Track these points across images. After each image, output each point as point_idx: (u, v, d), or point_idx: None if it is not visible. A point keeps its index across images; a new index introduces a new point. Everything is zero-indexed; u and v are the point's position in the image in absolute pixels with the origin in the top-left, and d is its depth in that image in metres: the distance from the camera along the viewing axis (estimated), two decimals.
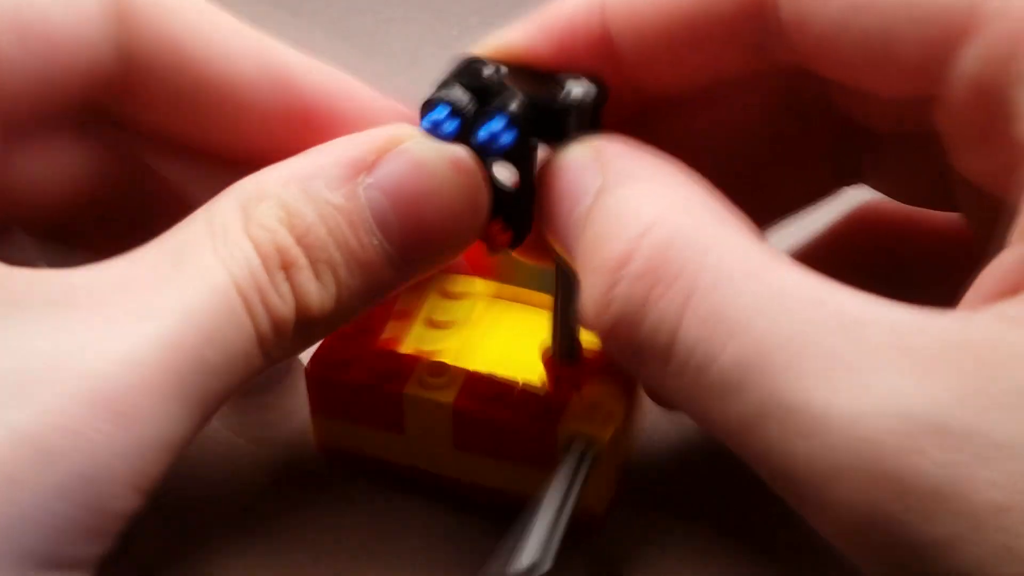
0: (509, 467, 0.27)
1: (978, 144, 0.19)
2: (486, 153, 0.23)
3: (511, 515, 0.25)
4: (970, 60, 0.17)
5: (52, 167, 0.24)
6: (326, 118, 0.24)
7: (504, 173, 0.23)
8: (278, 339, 0.21)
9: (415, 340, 0.29)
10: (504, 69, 0.23)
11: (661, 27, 0.21)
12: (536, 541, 0.24)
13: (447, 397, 0.27)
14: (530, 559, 0.23)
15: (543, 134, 0.23)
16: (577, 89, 0.22)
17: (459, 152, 0.22)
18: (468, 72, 0.23)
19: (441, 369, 0.27)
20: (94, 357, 0.18)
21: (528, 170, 0.23)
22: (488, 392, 0.27)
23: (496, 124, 0.22)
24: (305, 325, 0.21)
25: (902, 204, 0.26)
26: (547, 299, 0.29)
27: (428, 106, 0.23)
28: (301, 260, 0.20)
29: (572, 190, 0.21)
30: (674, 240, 0.18)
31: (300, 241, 0.21)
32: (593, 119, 0.23)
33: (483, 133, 0.22)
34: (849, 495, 0.16)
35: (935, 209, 0.26)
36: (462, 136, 0.23)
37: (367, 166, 0.21)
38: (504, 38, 0.23)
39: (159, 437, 0.19)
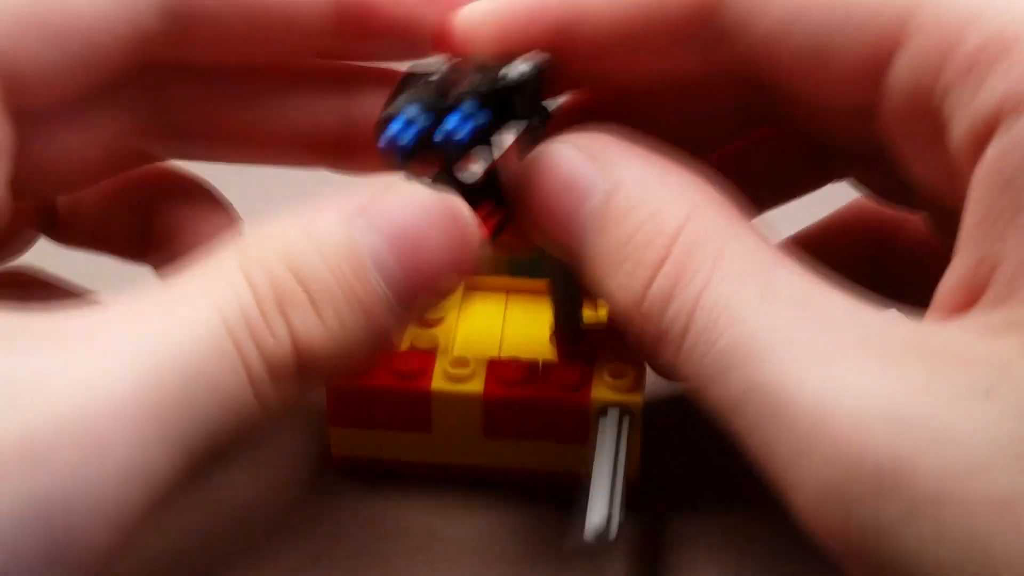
0: (541, 447, 0.28)
1: (920, 154, 0.21)
2: (450, 150, 0.23)
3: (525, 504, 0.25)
4: (903, 70, 0.18)
5: (87, 141, 0.25)
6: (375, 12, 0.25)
7: (468, 169, 0.24)
8: (274, 382, 0.20)
9: (411, 341, 0.29)
10: (443, 70, 0.24)
11: (614, 21, 0.22)
12: (599, 510, 0.24)
13: (475, 387, 0.27)
14: (597, 528, 0.24)
15: (497, 119, 0.23)
16: (520, 67, 0.23)
17: (449, 194, 0.22)
18: (410, 84, 0.24)
19: (463, 361, 0.27)
20: (65, 384, 0.18)
21: (492, 159, 0.24)
22: (515, 375, 0.27)
23: (454, 120, 0.23)
24: (306, 367, 0.21)
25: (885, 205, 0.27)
26: (516, 283, 0.31)
27: (382, 124, 0.23)
28: (301, 298, 0.20)
29: (571, 188, 0.22)
30: (698, 242, 0.20)
31: (300, 280, 0.20)
32: (536, 95, 0.24)
33: (445, 130, 0.23)
34: (809, 475, 0.18)
35: (914, 210, 0.27)
36: (423, 143, 0.23)
37: (362, 210, 0.21)
38: (468, 15, 0.24)
39: (133, 472, 0.18)
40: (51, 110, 0.24)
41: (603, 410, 0.27)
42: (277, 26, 0.24)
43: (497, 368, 0.27)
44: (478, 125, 0.23)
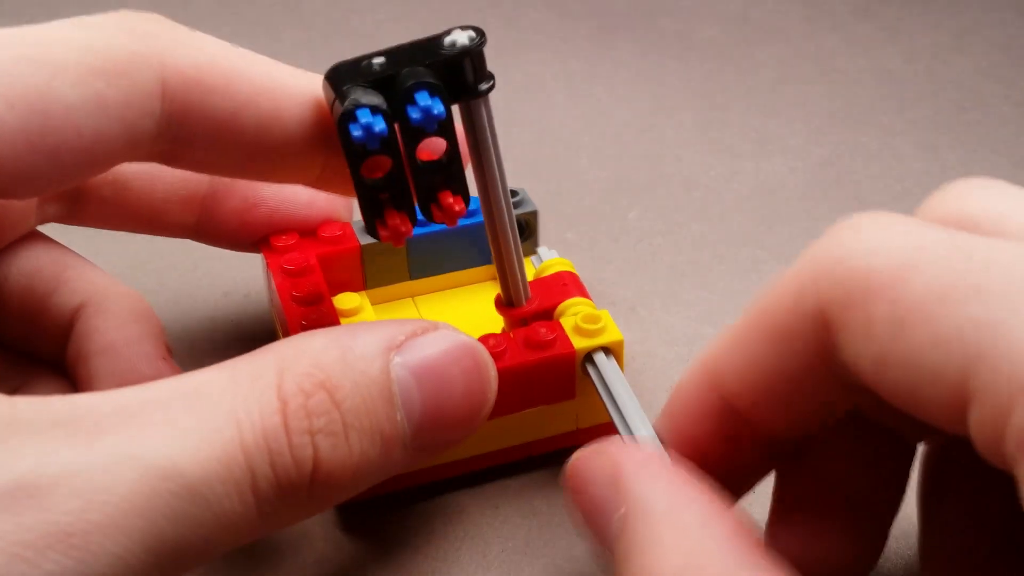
0: (532, 416, 0.28)
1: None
2: (419, 133, 0.23)
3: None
4: (974, 427, 0.18)
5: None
6: None
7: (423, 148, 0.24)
8: (281, 502, 0.20)
9: None
10: (380, 58, 0.24)
11: (766, 386, 0.22)
12: (644, 429, 0.25)
13: None
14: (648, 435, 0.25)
15: (451, 93, 0.24)
16: (461, 37, 0.24)
17: (479, 345, 0.24)
18: (354, 75, 0.23)
19: None
20: (65, 490, 0.18)
21: (453, 134, 0.24)
22: (496, 346, 0.27)
23: (422, 101, 0.23)
24: (319, 489, 0.21)
25: None
26: (418, 285, 0.33)
27: (347, 118, 0.23)
28: (334, 420, 0.21)
29: (599, 508, 0.22)
30: None
31: (335, 403, 0.21)
32: (483, 59, 0.24)
33: (419, 114, 0.23)
34: None
35: None
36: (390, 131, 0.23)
37: (398, 345, 0.22)
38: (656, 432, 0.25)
39: (114, 572, 0.18)
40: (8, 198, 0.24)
41: (588, 357, 0.27)
42: (267, 154, 0.25)
43: None
44: (445, 98, 0.23)
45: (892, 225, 0.20)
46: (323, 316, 0.28)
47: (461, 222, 0.29)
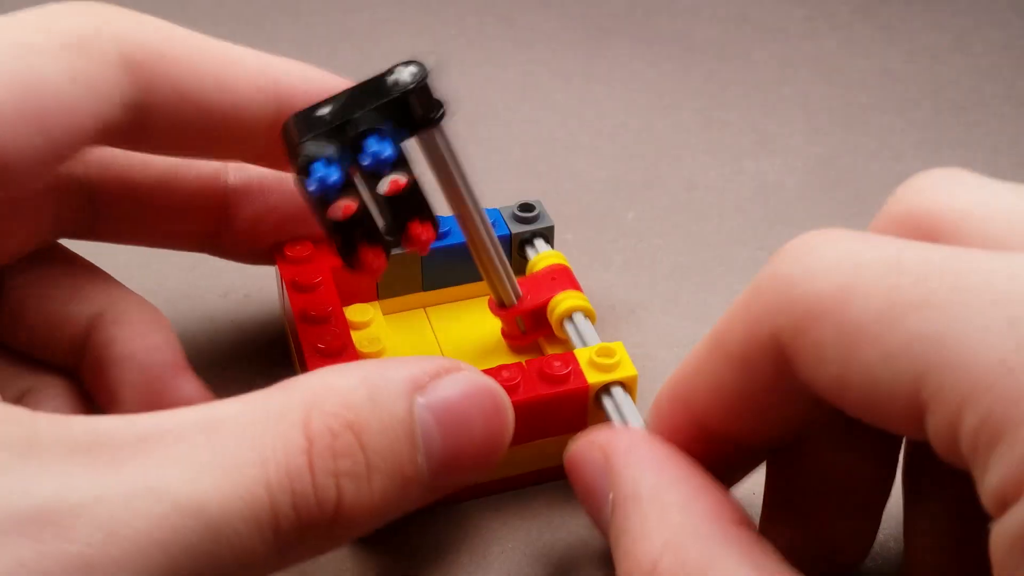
0: (543, 446, 0.28)
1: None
2: (375, 175, 0.24)
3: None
4: (931, 431, 0.19)
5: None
6: None
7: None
8: (299, 542, 0.20)
9: None
10: (330, 105, 0.25)
11: (733, 407, 0.22)
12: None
13: None
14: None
15: (403, 128, 0.25)
16: (404, 75, 0.25)
17: (499, 387, 0.24)
18: (306, 126, 0.24)
19: None
20: (87, 520, 0.18)
21: (408, 166, 0.25)
22: (510, 379, 0.27)
23: (370, 148, 0.24)
24: (340, 528, 0.21)
25: None
26: (431, 296, 0.33)
27: (303, 172, 0.24)
28: (359, 461, 0.21)
29: (593, 494, 0.23)
30: (679, 569, 0.20)
31: (362, 445, 0.21)
32: (429, 91, 0.25)
33: (369, 159, 0.24)
34: None
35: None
36: (347, 177, 0.24)
37: (422, 386, 0.22)
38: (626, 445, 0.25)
39: None
40: (19, 187, 0.24)
41: (605, 390, 0.27)
42: (223, 126, 0.26)
43: (490, 376, 0.26)
44: (395, 139, 0.24)
45: (835, 244, 0.20)
46: (335, 336, 0.28)
47: None
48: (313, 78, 0.27)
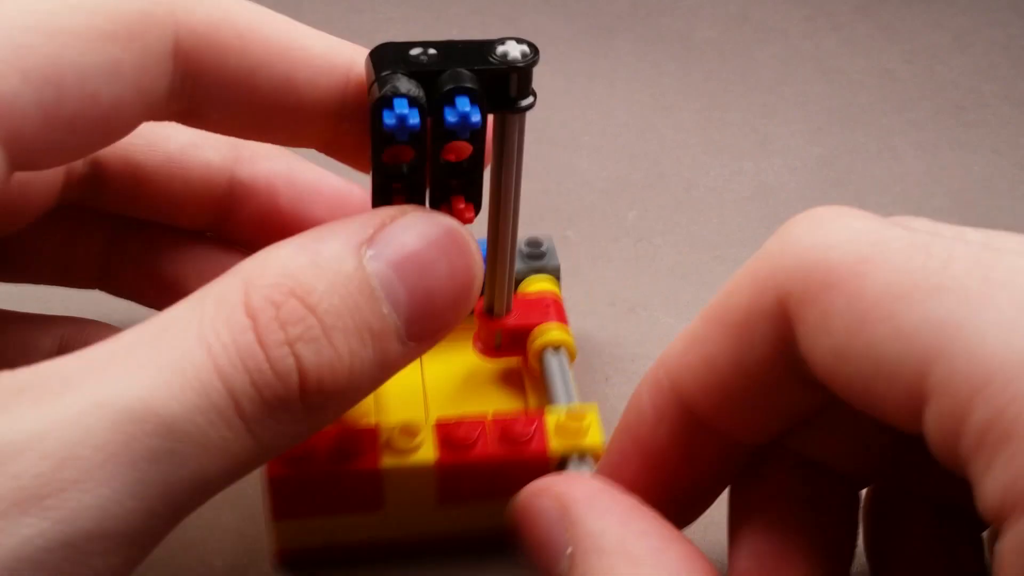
0: (498, 505, 0.25)
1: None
2: (449, 136, 0.23)
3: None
4: (930, 424, 0.18)
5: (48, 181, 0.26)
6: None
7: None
8: (274, 419, 0.20)
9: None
10: (431, 49, 0.23)
11: (725, 385, 0.22)
12: None
13: (427, 456, 0.25)
14: None
15: (492, 103, 0.23)
16: (514, 51, 0.23)
17: (453, 222, 0.23)
18: (398, 60, 0.23)
19: (412, 429, 0.25)
20: (33, 453, 0.18)
21: (483, 143, 0.23)
22: (466, 437, 0.25)
23: (461, 107, 0.22)
24: (313, 398, 0.20)
25: None
26: None
27: (383, 103, 0.22)
28: (311, 325, 0.20)
29: (547, 546, 0.22)
30: None
31: (309, 307, 0.20)
32: (530, 76, 0.24)
33: (456, 118, 0.22)
34: None
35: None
36: (422, 125, 0.23)
37: (368, 240, 0.21)
38: (605, 462, 0.24)
39: (101, 525, 0.18)
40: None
41: (563, 459, 0.26)
42: (281, 115, 0.24)
43: (446, 431, 0.26)
44: (483, 107, 0.23)
45: (851, 219, 0.20)
46: None
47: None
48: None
